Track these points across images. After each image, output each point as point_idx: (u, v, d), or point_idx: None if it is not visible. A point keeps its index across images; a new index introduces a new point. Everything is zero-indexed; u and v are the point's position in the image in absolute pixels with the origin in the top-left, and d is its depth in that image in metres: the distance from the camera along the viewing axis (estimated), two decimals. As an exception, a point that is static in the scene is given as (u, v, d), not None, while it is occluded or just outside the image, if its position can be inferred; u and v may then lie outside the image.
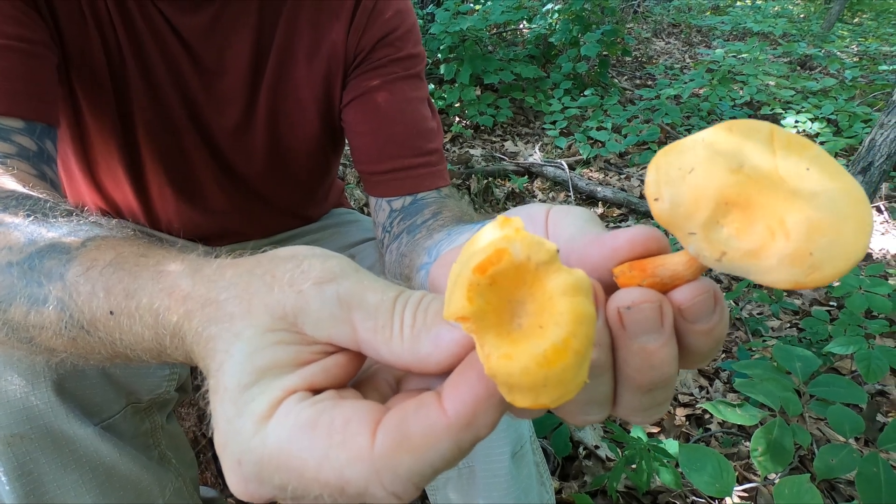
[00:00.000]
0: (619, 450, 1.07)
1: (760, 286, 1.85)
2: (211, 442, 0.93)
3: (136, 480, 0.49)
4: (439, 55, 3.07)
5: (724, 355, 1.53)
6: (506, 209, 1.84)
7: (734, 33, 5.64)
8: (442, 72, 3.02)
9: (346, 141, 0.69)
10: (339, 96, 0.64)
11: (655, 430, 1.25)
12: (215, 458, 0.94)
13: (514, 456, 0.60)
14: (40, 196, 0.39)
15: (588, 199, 2.41)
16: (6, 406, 0.42)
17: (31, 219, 0.35)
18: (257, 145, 0.65)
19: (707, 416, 1.33)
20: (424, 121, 0.63)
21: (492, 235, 0.17)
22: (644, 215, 2.27)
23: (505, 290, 0.17)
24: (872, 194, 1.88)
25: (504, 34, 3.82)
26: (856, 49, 5.72)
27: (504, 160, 2.63)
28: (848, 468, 0.93)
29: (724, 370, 1.46)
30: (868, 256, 2.07)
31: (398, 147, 0.61)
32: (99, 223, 0.36)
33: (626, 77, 4.24)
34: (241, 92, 0.61)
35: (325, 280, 0.22)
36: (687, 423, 1.30)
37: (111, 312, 0.28)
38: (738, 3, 9.38)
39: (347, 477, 0.18)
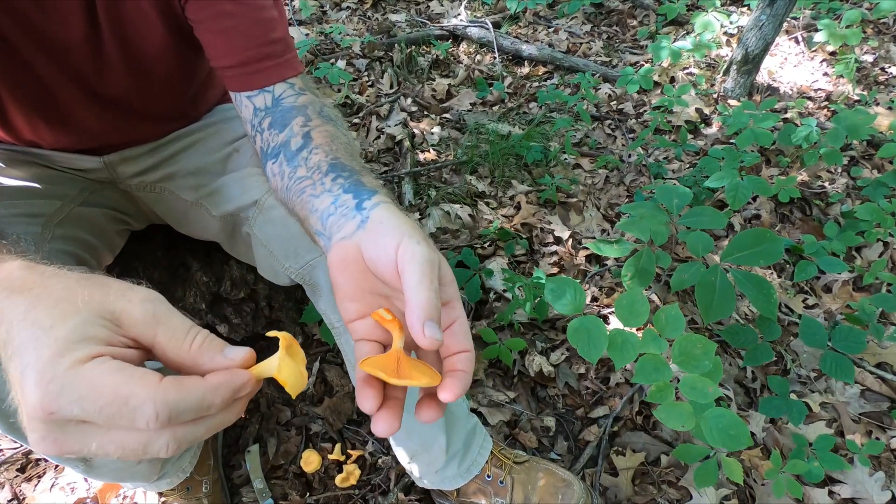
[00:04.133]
0: (517, 291, 1.26)
1: (661, 133, 1.96)
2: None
3: None
4: None
5: (626, 199, 1.70)
6: (431, 79, 1.82)
7: None
8: (353, -78, 2.70)
9: None
10: None
11: (555, 270, 1.45)
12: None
13: None
14: None
15: (514, 59, 2.38)
16: None
17: None
18: (112, 60, 0.67)
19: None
20: (263, 10, 0.65)
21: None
22: (567, 70, 2.28)
23: (293, 353, 0.36)
24: (780, 24, 1.92)
25: None
26: None
27: (428, 24, 2.51)
28: (695, 280, 1.13)
29: (625, 213, 1.64)
30: (775, 90, 2.17)
31: (242, 39, 0.64)
32: None
33: None
34: (76, 4, 0.62)
35: (148, 300, 0.34)
36: (587, 262, 1.50)
37: None
38: None
39: (137, 393, 0.29)
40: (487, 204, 1.65)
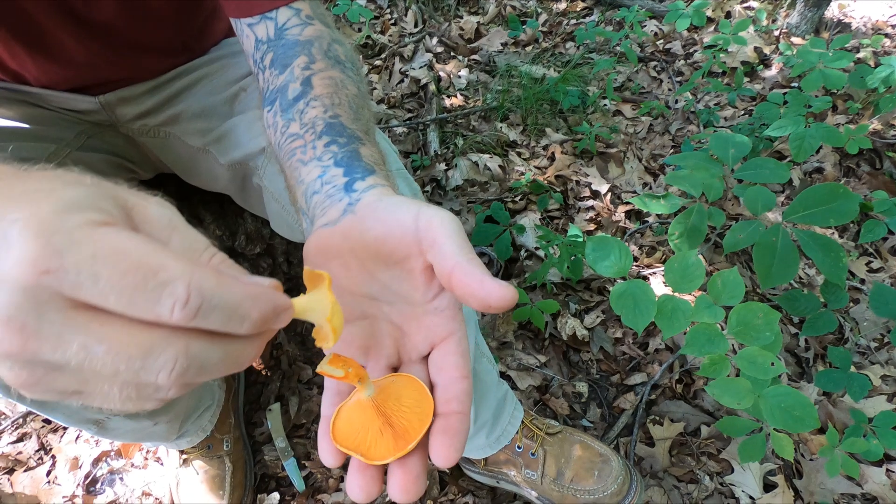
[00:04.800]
0: (550, 249, 1.17)
1: (713, 76, 1.77)
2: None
3: None
4: None
5: (671, 150, 1.56)
6: (458, 17, 1.65)
7: None
8: None
9: None
10: None
11: (592, 227, 1.35)
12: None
13: None
14: None
15: (550, -6, 2.17)
16: None
17: None
18: None
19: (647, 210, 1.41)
20: None
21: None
22: (609, 6, 2.07)
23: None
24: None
25: None
26: None
27: (456, -46, 2.29)
28: (752, 240, 1.02)
29: (669, 165, 1.50)
30: (846, 26, 1.93)
31: None
32: None
33: None
34: None
35: (164, 205, 0.26)
36: (626, 219, 1.39)
37: None
38: None
39: (169, 266, 0.21)
40: (519, 154, 1.53)
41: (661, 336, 1.18)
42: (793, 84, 1.69)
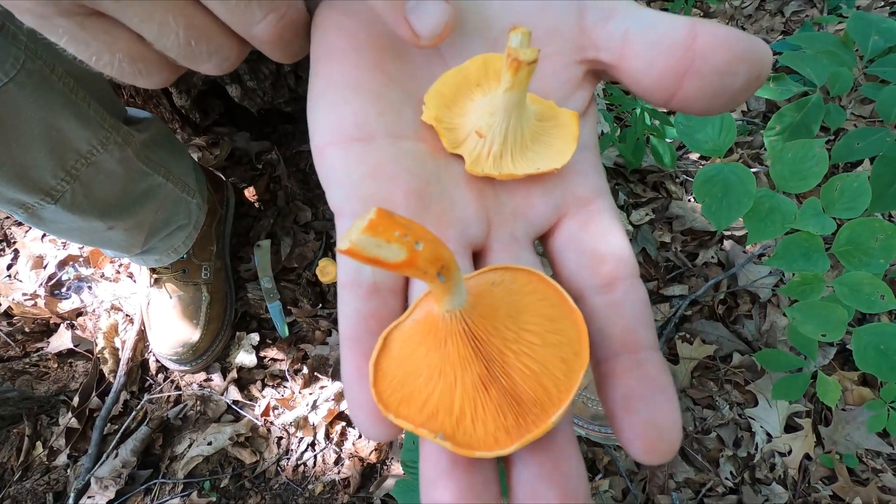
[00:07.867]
0: (616, 123, 0.96)
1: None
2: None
3: None
4: None
5: (779, 36, 1.26)
6: None
7: None
8: None
9: None
10: None
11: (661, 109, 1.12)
12: (166, 92, 0.87)
13: None
14: None
15: None
16: None
17: None
18: None
19: (732, 103, 1.17)
20: None
21: None
22: None
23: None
24: None
25: None
26: None
27: None
28: (875, 150, 0.82)
29: (777, 52, 1.22)
30: None
31: None
32: None
33: None
34: None
35: None
36: (706, 108, 1.15)
37: None
38: None
39: None
40: (595, 6, 1.24)
41: (751, 242, 1.02)
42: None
